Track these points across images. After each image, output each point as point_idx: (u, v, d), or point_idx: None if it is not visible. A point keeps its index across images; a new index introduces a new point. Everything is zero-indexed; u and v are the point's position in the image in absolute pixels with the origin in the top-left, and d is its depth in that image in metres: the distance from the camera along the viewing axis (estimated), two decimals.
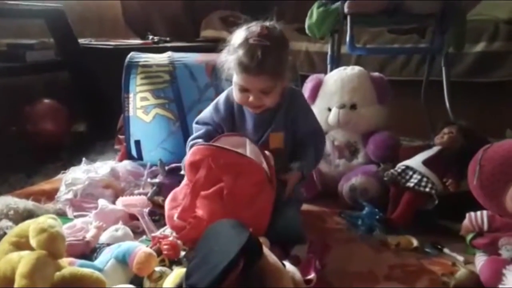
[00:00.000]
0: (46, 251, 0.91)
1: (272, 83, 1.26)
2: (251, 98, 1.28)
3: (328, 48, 2.22)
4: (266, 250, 0.83)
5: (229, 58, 1.28)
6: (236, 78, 1.29)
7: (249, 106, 1.34)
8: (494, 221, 1.18)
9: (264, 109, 1.33)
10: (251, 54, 1.21)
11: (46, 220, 0.96)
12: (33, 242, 0.93)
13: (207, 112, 1.43)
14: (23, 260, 0.88)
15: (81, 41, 2.64)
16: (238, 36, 1.27)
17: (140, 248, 1.05)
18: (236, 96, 1.33)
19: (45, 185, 1.73)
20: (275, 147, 1.35)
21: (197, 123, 1.44)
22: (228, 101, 1.39)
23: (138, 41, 2.93)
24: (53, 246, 0.92)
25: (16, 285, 0.85)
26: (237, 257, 0.74)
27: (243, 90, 1.29)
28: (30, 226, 0.96)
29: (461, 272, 1.11)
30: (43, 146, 2.24)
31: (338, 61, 2.13)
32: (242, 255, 0.75)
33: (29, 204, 1.37)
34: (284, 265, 0.89)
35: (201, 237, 0.93)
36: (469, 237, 1.21)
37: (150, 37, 2.97)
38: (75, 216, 1.40)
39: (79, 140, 2.44)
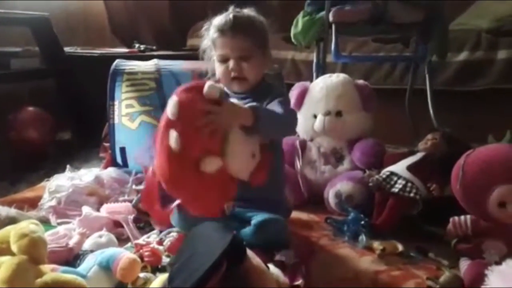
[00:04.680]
0: (27, 256, 0.90)
1: (249, 44, 1.30)
2: (231, 65, 1.30)
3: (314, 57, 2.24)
4: (249, 252, 0.83)
5: (208, 36, 1.35)
6: (216, 51, 1.33)
7: (231, 80, 1.33)
8: (478, 225, 1.19)
9: (247, 87, 1.33)
10: (225, 18, 1.31)
11: (27, 226, 0.95)
12: (14, 247, 0.92)
13: None
14: (4, 266, 0.88)
15: (67, 49, 2.63)
16: (215, 19, 1.35)
17: (124, 254, 1.04)
18: (218, 71, 1.35)
19: (28, 193, 1.70)
20: None
21: None
22: None
23: (124, 50, 2.93)
24: (34, 251, 0.91)
25: None
26: (220, 258, 0.74)
27: (223, 60, 1.32)
28: (11, 231, 0.95)
29: (446, 275, 1.12)
30: (27, 154, 2.21)
31: (323, 69, 2.15)
32: (225, 256, 0.75)
33: (12, 211, 1.35)
34: (268, 267, 0.89)
35: (184, 240, 0.92)
36: (453, 241, 1.22)
37: (136, 45, 2.96)
38: (59, 223, 1.38)
39: (64, 148, 2.41)
